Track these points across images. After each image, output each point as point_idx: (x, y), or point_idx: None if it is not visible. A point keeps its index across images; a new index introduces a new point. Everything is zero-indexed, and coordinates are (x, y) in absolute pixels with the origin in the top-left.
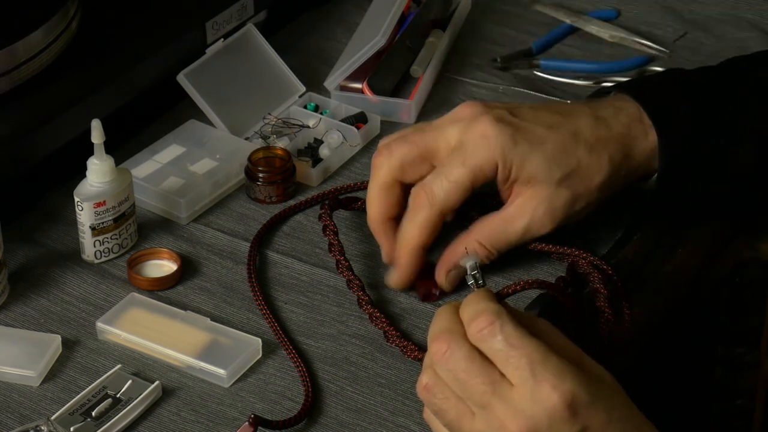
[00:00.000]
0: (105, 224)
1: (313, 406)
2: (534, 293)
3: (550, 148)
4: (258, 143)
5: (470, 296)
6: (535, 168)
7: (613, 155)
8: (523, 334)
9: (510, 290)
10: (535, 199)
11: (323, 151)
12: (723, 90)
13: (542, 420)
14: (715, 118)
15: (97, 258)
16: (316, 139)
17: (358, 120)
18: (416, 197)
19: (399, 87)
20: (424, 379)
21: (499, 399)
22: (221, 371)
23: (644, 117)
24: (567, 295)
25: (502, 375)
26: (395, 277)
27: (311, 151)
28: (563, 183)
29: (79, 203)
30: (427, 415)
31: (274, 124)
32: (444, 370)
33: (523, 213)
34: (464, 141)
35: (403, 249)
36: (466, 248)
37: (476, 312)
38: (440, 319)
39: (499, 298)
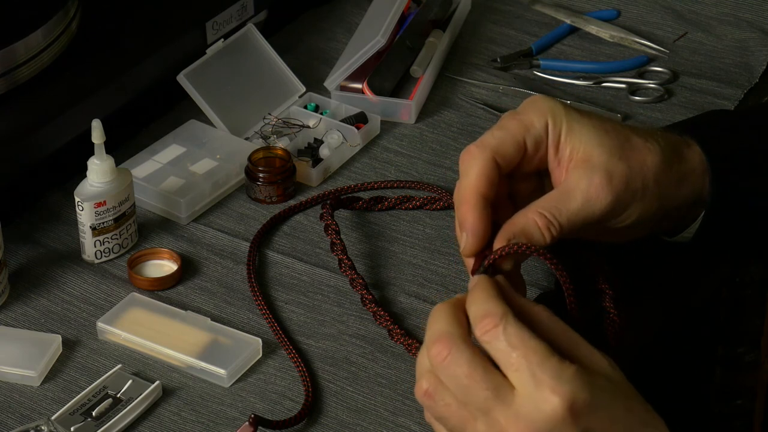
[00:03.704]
0: (105, 224)
1: (313, 406)
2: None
3: (597, 122)
4: (258, 143)
5: (476, 292)
6: (585, 135)
7: (662, 145)
8: (524, 336)
9: (504, 252)
10: (590, 168)
11: (323, 151)
12: None
13: (543, 424)
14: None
15: (97, 258)
16: (316, 139)
17: (358, 120)
18: (468, 151)
19: (399, 87)
20: (425, 384)
21: (502, 404)
22: (221, 371)
23: (687, 138)
24: (557, 265)
25: (505, 378)
26: (464, 241)
27: (311, 151)
28: (615, 153)
29: (79, 203)
30: (429, 417)
31: (274, 124)
32: (446, 375)
33: (579, 181)
34: (519, 107)
35: (465, 204)
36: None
37: (483, 313)
38: (438, 320)
39: (494, 270)
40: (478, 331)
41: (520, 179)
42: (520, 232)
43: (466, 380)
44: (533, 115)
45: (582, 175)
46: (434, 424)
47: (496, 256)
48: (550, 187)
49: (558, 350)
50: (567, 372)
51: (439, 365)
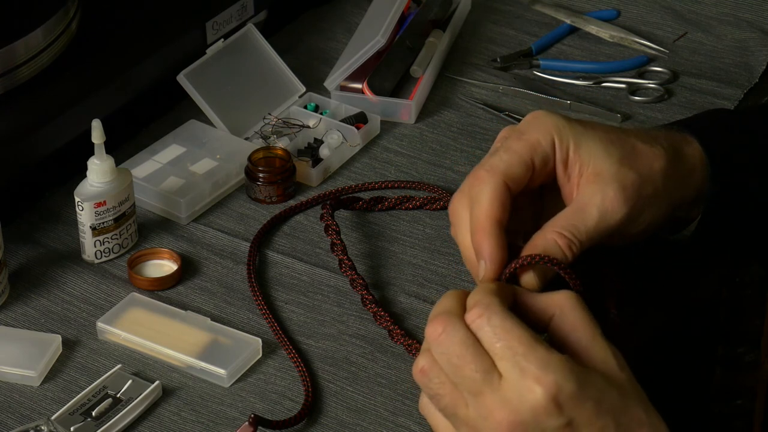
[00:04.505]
0: (105, 224)
1: (313, 406)
2: None
3: (602, 133)
4: (258, 143)
5: (477, 287)
6: (593, 149)
7: (666, 147)
8: (509, 326)
9: (519, 264)
10: (602, 182)
11: (323, 151)
12: None
13: (526, 413)
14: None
15: (97, 258)
16: (316, 139)
17: (358, 120)
18: (477, 175)
19: (399, 87)
20: (421, 361)
21: (490, 388)
22: (221, 371)
23: (686, 135)
24: (571, 273)
25: (495, 364)
26: (482, 269)
27: (311, 151)
28: (624, 162)
29: (79, 203)
30: (423, 402)
31: (274, 124)
32: (439, 352)
33: (593, 196)
34: (521, 124)
35: (480, 232)
36: None
37: (472, 303)
38: (442, 301)
39: (511, 278)
40: (468, 320)
41: (521, 193)
42: (542, 253)
43: (456, 359)
44: (538, 134)
45: (595, 190)
46: (427, 407)
47: (512, 269)
48: (550, 198)
49: (569, 343)
50: (553, 361)
51: (433, 342)
